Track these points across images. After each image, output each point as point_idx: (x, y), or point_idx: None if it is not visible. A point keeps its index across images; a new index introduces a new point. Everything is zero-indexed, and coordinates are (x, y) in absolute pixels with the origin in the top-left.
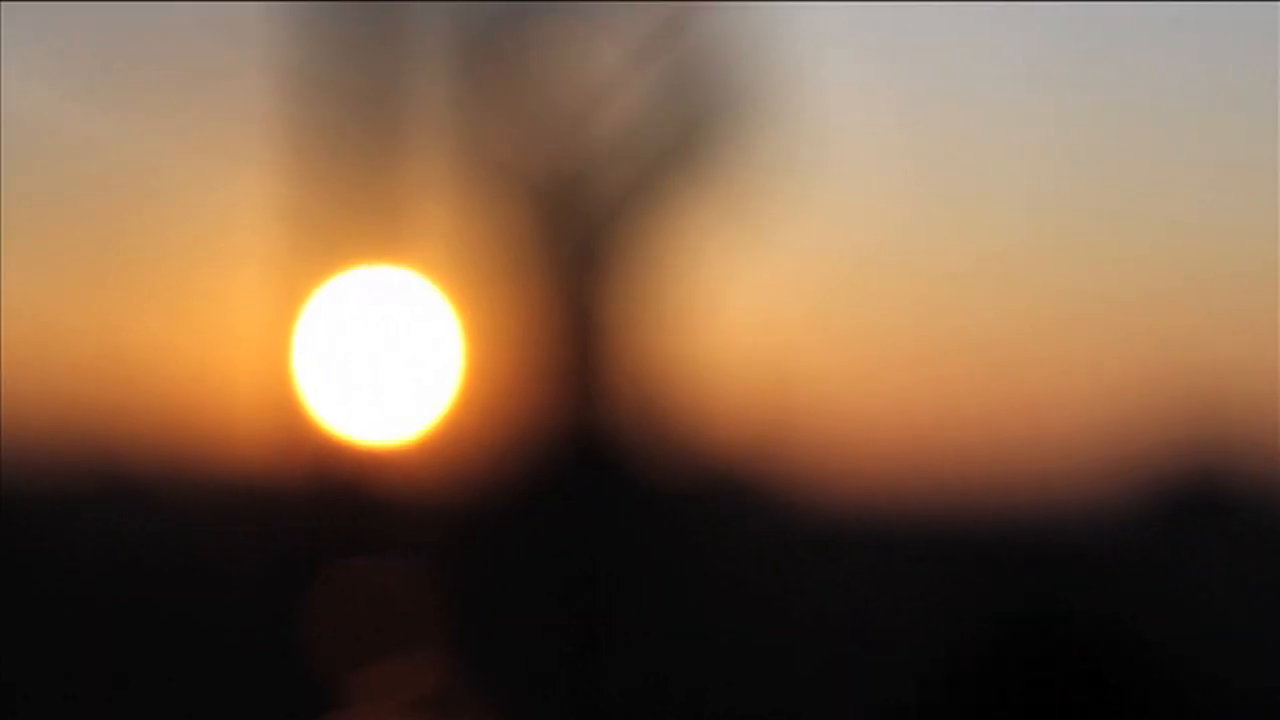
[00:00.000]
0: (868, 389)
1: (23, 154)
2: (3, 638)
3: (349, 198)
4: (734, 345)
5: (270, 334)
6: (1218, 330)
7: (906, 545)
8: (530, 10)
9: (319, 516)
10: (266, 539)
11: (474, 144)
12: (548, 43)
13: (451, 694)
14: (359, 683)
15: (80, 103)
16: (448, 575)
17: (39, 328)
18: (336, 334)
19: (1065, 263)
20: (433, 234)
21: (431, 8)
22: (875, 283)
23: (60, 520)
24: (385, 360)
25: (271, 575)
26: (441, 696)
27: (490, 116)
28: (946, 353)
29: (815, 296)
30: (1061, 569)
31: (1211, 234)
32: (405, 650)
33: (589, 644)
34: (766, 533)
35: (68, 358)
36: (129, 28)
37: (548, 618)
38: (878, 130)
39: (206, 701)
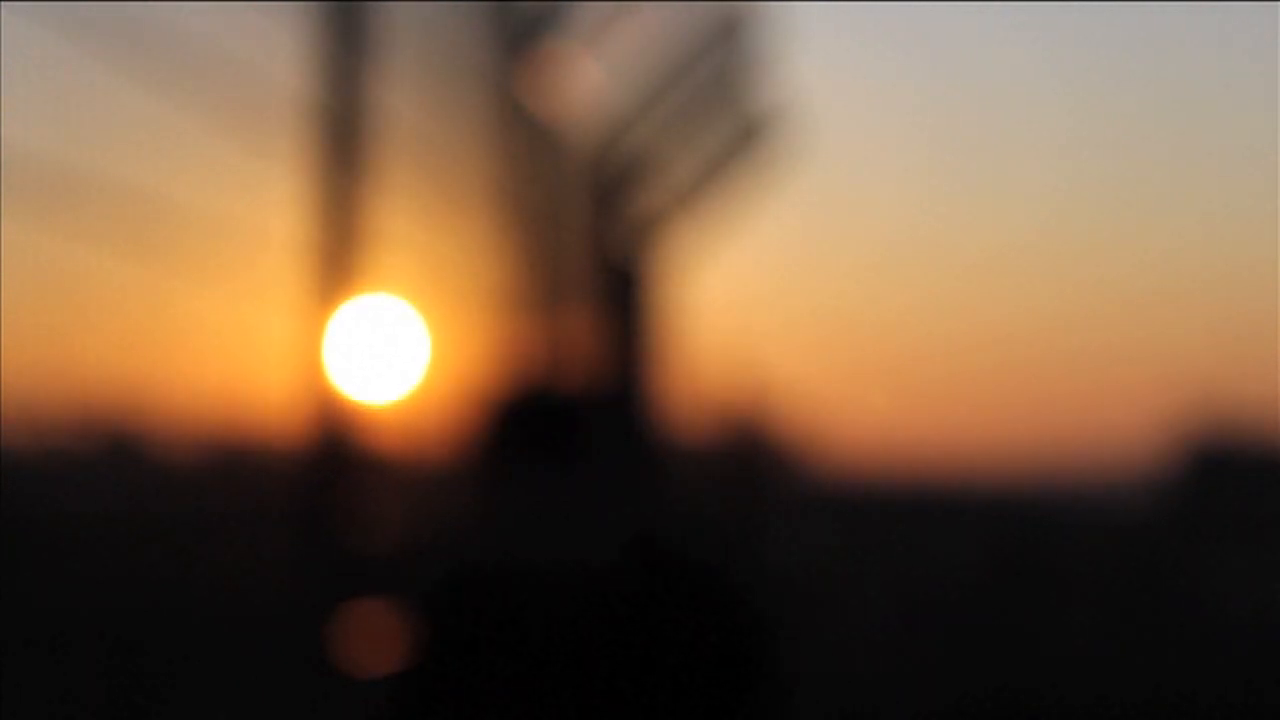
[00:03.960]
0: (878, 376)
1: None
2: (15, 617)
3: (367, 232)
4: (749, 336)
5: (300, 343)
6: (1225, 323)
7: (903, 510)
8: (563, 17)
9: (330, 474)
10: (279, 494)
11: (505, 152)
12: (586, 48)
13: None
14: (347, 639)
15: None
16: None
17: (85, 309)
18: (348, 357)
19: (1078, 257)
20: (439, 266)
21: (465, 12)
22: (889, 278)
23: (75, 486)
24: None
25: (281, 532)
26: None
27: (531, 113)
28: (960, 346)
29: (833, 290)
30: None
31: (1218, 232)
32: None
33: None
34: (778, 499)
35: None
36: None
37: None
38: (896, 133)
39: (213, 662)
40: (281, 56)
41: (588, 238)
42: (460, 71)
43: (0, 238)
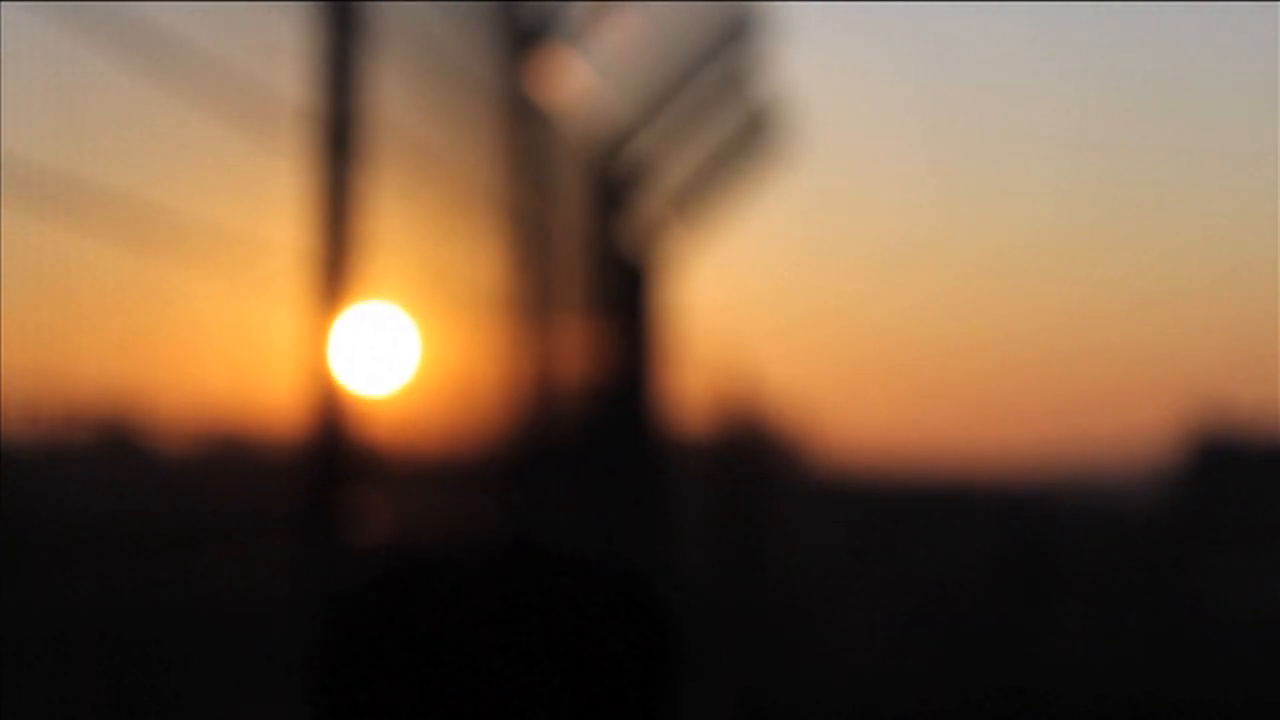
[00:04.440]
0: (882, 374)
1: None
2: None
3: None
4: (752, 333)
5: (305, 349)
6: (1226, 323)
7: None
8: (566, 17)
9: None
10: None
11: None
12: (599, 42)
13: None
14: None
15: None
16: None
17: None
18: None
19: (1078, 258)
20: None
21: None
22: (890, 277)
23: (75, 485)
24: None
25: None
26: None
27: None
28: (961, 345)
29: (837, 288)
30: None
31: (1218, 232)
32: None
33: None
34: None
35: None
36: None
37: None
38: (900, 133)
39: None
40: (283, 58)
41: (592, 237)
42: (462, 73)
43: (0, 236)
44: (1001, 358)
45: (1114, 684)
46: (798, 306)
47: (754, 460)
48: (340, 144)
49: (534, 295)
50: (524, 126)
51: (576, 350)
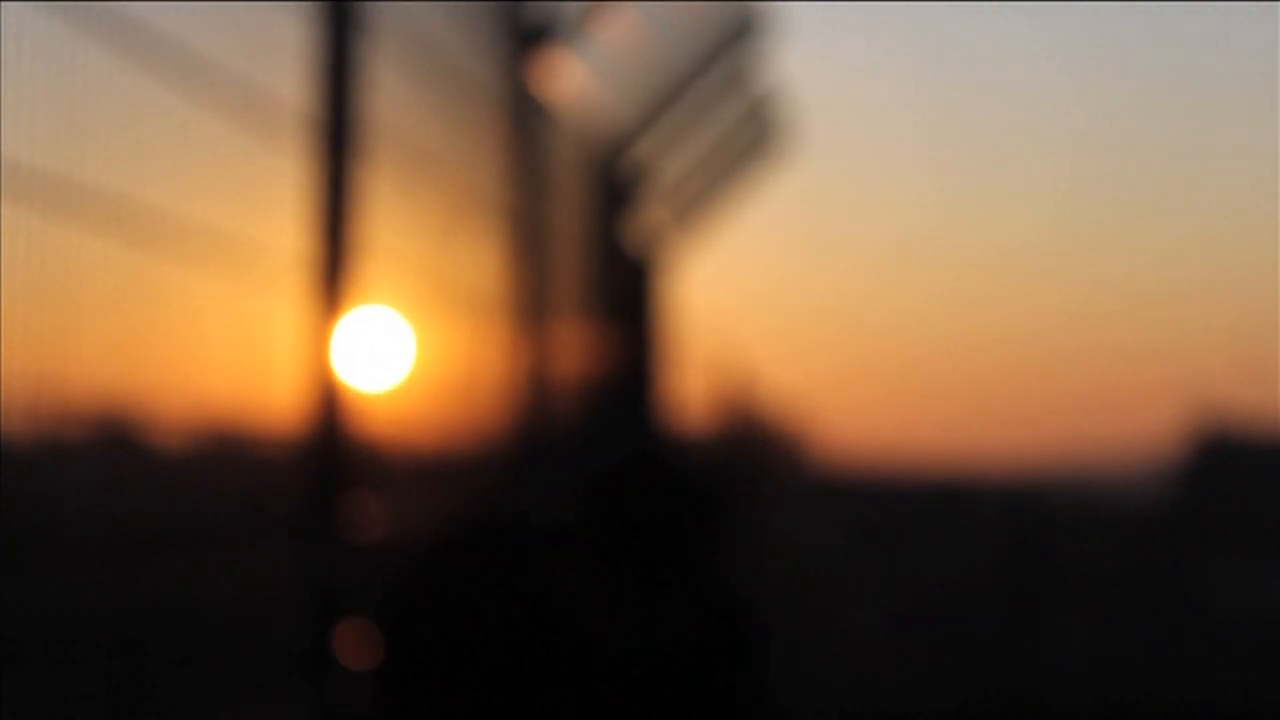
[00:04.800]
0: (882, 374)
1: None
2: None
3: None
4: (756, 331)
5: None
6: (1226, 322)
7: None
8: (570, 18)
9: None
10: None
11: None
12: (603, 45)
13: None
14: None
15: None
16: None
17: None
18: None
19: (1078, 257)
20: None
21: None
22: (891, 277)
23: (75, 484)
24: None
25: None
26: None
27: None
28: (963, 345)
29: (839, 288)
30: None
31: (1219, 232)
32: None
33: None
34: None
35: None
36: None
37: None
38: (904, 135)
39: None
40: (283, 58)
41: (592, 237)
42: (462, 73)
43: (0, 236)
44: (1001, 358)
45: (1114, 683)
46: (797, 306)
47: (753, 459)
48: (340, 144)
49: (533, 295)
50: (524, 127)
51: (576, 349)
